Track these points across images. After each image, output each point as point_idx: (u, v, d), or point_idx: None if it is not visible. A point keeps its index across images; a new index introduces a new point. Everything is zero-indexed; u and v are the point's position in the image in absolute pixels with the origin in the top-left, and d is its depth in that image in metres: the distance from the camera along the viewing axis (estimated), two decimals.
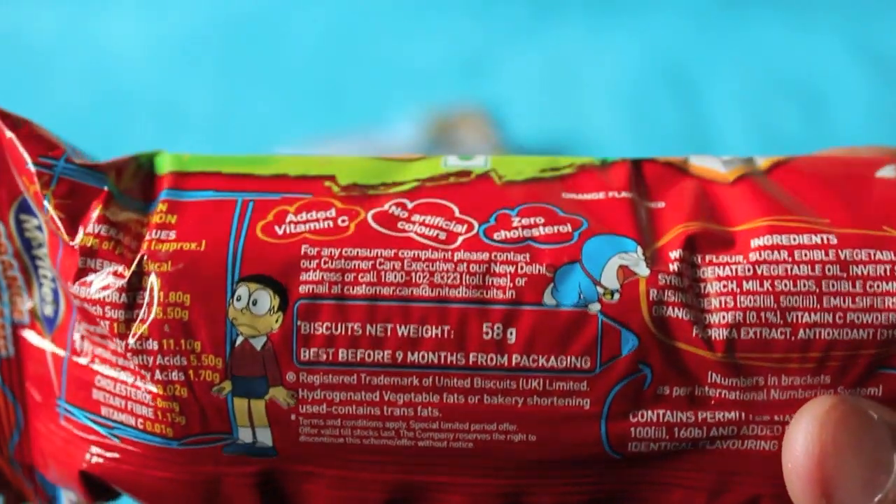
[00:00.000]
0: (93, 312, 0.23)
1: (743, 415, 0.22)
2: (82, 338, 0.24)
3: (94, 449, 0.24)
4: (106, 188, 0.24)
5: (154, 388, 0.23)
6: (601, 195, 0.24)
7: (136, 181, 0.25)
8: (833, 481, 0.21)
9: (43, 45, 0.92)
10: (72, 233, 0.23)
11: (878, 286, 0.22)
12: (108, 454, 0.24)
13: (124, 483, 0.24)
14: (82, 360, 0.24)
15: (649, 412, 0.23)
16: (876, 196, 0.23)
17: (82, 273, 0.23)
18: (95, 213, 0.24)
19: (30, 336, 0.25)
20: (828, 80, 0.86)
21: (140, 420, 0.23)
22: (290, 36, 0.93)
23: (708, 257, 0.23)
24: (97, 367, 0.24)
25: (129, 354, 0.23)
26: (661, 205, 0.24)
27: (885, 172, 0.24)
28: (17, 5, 0.96)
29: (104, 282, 0.23)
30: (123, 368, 0.23)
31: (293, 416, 0.23)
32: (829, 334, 0.22)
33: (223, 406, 0.23)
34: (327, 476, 0.23)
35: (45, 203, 0.24)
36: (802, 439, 0.21)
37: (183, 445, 0.23)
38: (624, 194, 0.24)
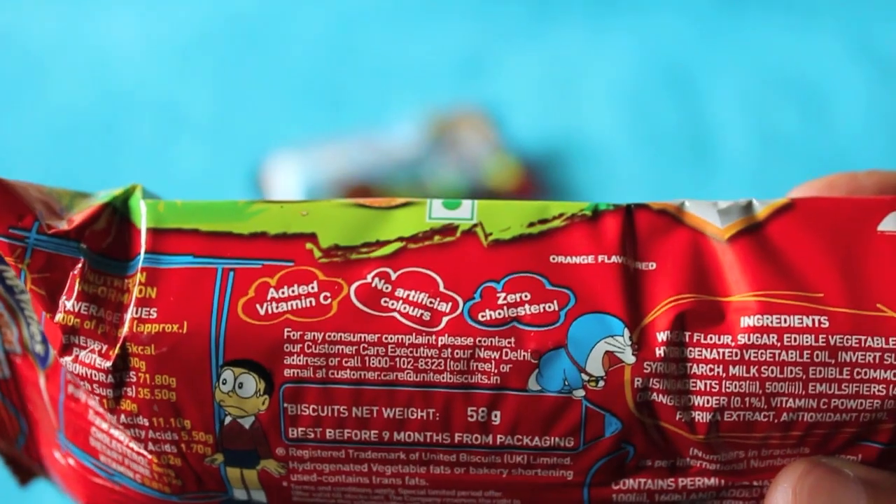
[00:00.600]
0: (82, 385, 0.23)
1: (722, 481, 0.23)
2: (77, 386, 0.24)
3: (97, 485, 0.25)
4: (82, 258, 0.23)
5: (148, 455, 0.23)
6: (591, 259, 0.24)
7: (111, 235, 0.24)
8: None
9: (43, 45, 0.92)
10: (52, 309, 0.23)
11: (865, 373, 0.22)
12: (111, 495, 0.25)
13: None
14: (77, 407, 0.24)
15: (631, 480, 0.23)
16: (873, 263, 0.23)
17: (67, 349, 0.23)
18: (75, 290, 0.23)
19: (24, 366, 0.25)
20: (828, 80, 0.86)
21: (138, 476, 0.24)
22: (290, 36, 0.93)
23: (696, 336, 0.23)
24: (92, 418, 0.24)
25: (120, 426, 0.23)
26: (653, 266, 0.23)
27: (886, 226, 0.24)
28: (17, 5, 0.96)
29: (89, 360, 0.23)
30: (117, 428, 0.24)
31: (285, 483, 0.23)
32: (811, 417, 0.22)
33: (217, 473, 0.23)
34: None
35: (22, 277, 0.23)
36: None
37: (182, 499, 0.24)
38: (614, 259, 0.23)
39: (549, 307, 0.23)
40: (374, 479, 0.23)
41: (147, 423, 0.23)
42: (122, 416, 0.23)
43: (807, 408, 0.22)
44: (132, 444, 0.24)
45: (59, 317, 0.23)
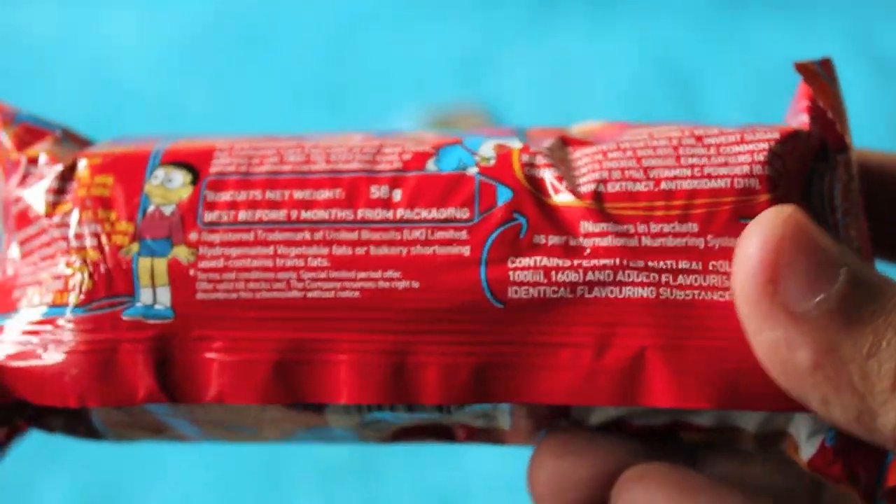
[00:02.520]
0: (26, 206, 0.26)
1: (617, 260, 0.24)
2: (19, 255, 0.26)
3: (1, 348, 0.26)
4: (58, 132, 0.28)
5: (67, 257, 0.25)
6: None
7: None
8: (783, 270, 0.22)
9: (43, 44, 0.92)
10: (22, 149, 0.27)
11: (730, 149, 0.25)
12: (13, 349, 0.25)
13: (20, 376, 0.25)
14: (9, 271, 0.26)
15: (526, 258, 0.24)
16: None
17: (24, 178, 0.27)
18: (47, 141, 0.27)
19: None
20: None
21: (50, 296, 0.25)
22: (291, 36, 0.93)
23: (577, 148, 0.26)
24: (22, 268, 0.26)
25: (50, 228, 0.26)
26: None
27: None
28: (17, 5, 0.96)
29: (42, 177, 0.26)
30: (43, 247, 0.26)
31: (192, 272, 0.25)
32: (689, 184, 0.24)
33: (128, 267, 0.25)
34: (220, 339, 0.24)
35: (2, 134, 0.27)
36: (760, 231, 0.22)
37: (87, 311, 0.25)
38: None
39: (449, 136, 0.26)
40: (278, 261, 0.24)
41: (76, 219, 0.25)
42: (56, 218, 0.26)
43: (682, 176, 0.24)
44: (55, 258, 0.25)
45: (26, 152, 0.27)
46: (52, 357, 0.25)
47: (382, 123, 0.84)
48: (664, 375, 0.23)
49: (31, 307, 0.25)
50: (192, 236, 0.25)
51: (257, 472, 0.67)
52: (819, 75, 0.26)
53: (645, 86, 0.88)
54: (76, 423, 0.27)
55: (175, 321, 0.24)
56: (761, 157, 0.24)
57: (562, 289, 0.24)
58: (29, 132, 0.28)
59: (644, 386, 0.23)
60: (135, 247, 0.25)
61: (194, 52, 0.91)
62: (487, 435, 0.27)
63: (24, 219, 0.26)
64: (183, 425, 0.27)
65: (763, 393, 0.23)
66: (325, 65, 0.90)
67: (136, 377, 0.24)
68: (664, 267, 0.24)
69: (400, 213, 0.25)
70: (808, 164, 0.25)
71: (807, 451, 0.24)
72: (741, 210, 0.24)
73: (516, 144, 0.25)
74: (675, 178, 0.24)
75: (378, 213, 0.25)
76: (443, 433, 0.27)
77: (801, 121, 0.26)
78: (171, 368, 0.24)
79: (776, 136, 0.25)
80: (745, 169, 0.24)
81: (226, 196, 0.25)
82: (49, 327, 0.25)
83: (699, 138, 0.25)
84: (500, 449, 0.73)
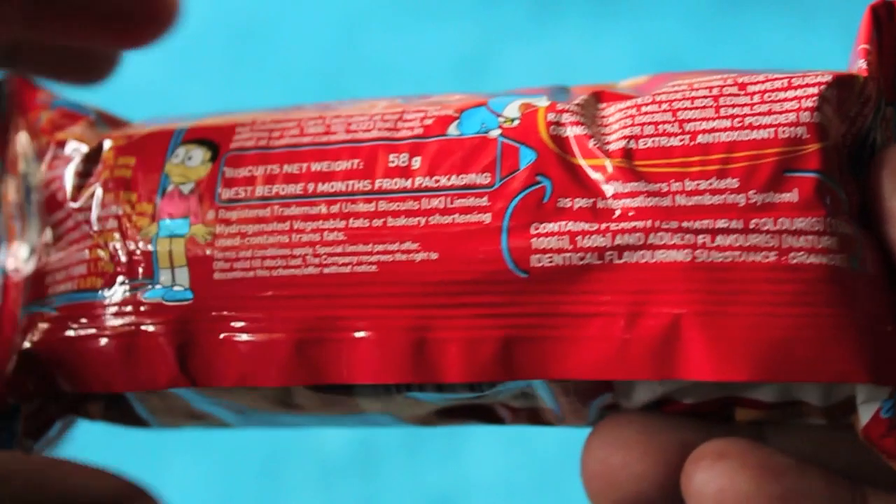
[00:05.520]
0: (54, 190, 0.26)
1: (649, 222, 0.22)
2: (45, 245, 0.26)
3: (37, 326, 0.25)
4: (92, 115, 0.28)
5: (90, 241, 0.25)
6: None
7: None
8: None
9: None
10: (54, 133, 0.27)
11: (775, 96, 0.23)
12: (42, 336, 0.25)
13: (51, 362, 0.25)
14: (42, 257, 0.26)
15: (551, 224, 0.22)
16: None
17: (53, 162, 0.27)
18: (80, 125, 0.28)
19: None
20: None
21: (76, 282, 0.25)
22: (290, 35, 0.93)
23: (611, 103, 0.24)
24: (53, 254, 0.26)
25: (74, 213, 0.26)
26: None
27: None
28: None
29: (69, 161, 0.26)
30: (70, 232, 0.26)
31: (209, 251, 0.24)
32: (728, 136, 0.22)
33: (148, 249, 0.24)
34: (238, 320, 0.24)
35: (41, 116, 0.28)
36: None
37: (109, 295, 0.25)
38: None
39: (476, 98, 0.25)
40: (294, 237, 0.24)
41: (99, 202, 0.25)
42: (80, 201, 0.26)
43: (721, 128, 0.22)
44: (79, 243, 0.25)
45: (57, 136, 0.27)
46: (78, 342, 0.24)
47: None
48: (702, 345, 0.21)
49: (58, 294, 0.25)
50: (210, 215, 0.24)
51: (257, 471, 0.67)
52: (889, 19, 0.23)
53: None
54: (118, 410, 0.27)
55: (194, 302, 0.24)
56: (810, 104, 0.22)
57: (589, 255, 0.22)
58: (64, 116, 0.28)
59: (681, 357, 0.21)
60: (154, 228, 0.25)
61: (193, 50, 0.91)
62: (534, 415, 0.25)
63: (53, 203, 0.26)
64: (221, 412, 0.26)
65: (815, 361, 0.21)
66: (324, 63, 0.90)
67: (157, 361, 0.24)
68: (700, 227, 0.22)
69: (419, 181, 0.23)
70: (866, 114, 0.23)
71: (863, 417, 0.22)
72: (787, 163, 0.22)
73: (543, 102, 0.24)
74: (713, 130, 0.22)
75: (396, 183, 0.24)
76: (486, 414, 0.26)
77: (860, 66, 0.24)
78: (191, 352, 0.24)
79: (828, 79, 0.23)
80: (792, 117, 0.22)
81: (244, 172, 0.25)
82: (76, 313, 0.25)
83: (742, 86, 0.23)
84: (499, 449, 0.73)
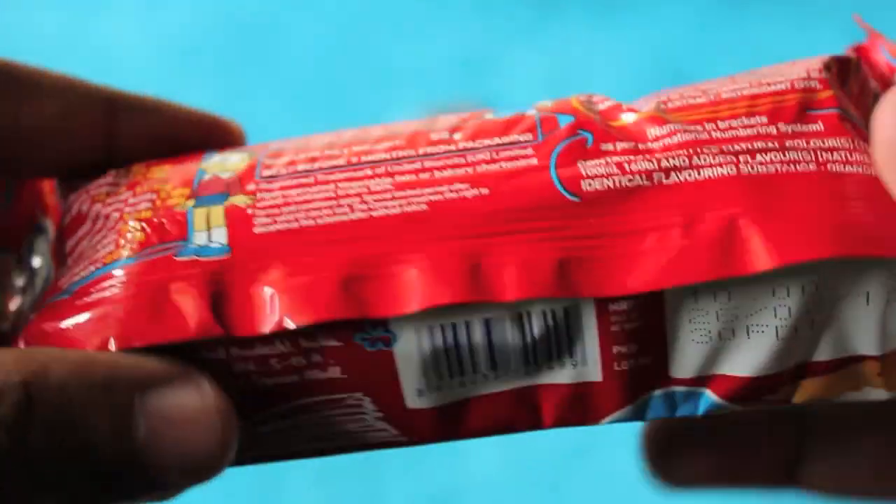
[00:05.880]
0: (79, 210, 0.26)
1: (690, 149, 0.23)
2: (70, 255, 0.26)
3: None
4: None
5: (121, 224, 0.25)
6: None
7: None
8: None
9: (44, 44, 0.92)
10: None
11: (784, 68, 0.25)
12: (64, 312, 0.24)
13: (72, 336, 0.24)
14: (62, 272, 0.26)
15: (596, 159, 0.24)
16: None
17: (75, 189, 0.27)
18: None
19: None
20: None
21: (104, 255, 0.24)
22: (291, 36, 0.93)
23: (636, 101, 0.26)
24: (78, 249, 0.25)
25: (104, 209, 0.25)
26: None
27: None
28: (18, 5, 0.96)
29: (97, 182, 0.26)
30: (97, 233, 0.25)
31: (249, 211, 0.24)
32: (749, 91, 0.24)
33: (183, 217, 0.24)
34: (281, 267, 0.23)
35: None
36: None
37: (138, 259, 0.24)
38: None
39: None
40: (340, 190, 0.24)
41: (132, 194, 0.25)
42: (110, 200, 0.25)
43: (741, 86, 0.25)
44: (111, 227, 0.25)
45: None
46: (101, 306, 0.23)
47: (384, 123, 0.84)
48: (762, 235, 0.22)
49: (81, 276, 0.24)
50: (250, 187, 0.24)
51: (257, 471, 0.67)
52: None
53: (646, 85, 0.88)
54: None
55: (231, 256, 0.23)
56: (817, 65, 0.25)
57: (638, 177, 0.23)
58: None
59: (743, 250, 0.22)
60: (190, 202, 0.24)
61: (194, 52, 0.91)
62: (578, 403, 0.24)
63: (79, 219, 0.26)
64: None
65: (880, 238, 0.22)
66: (325, 64, 0.90)
67: (188, 310, 0.23)
68: (740, 149, 0.23)
69: (462, 145, 0.24)
70: (867, 89, 0.25)
71: None
72: (807, 103, 0.24)
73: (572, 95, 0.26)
74: (734, 90, 0.25)
75: (440, 148, 0.24)
76: (529, 414, 0.25)
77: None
78: (226, 301, 0.23)
79: (829, 55, 0.25)
80: (803, 73, 0.24)
81: (283, 159, 0.25)
82: (103, 283, 0.23)
83: (751, 72, 0.25)
84: (499, 449, 0.73)
